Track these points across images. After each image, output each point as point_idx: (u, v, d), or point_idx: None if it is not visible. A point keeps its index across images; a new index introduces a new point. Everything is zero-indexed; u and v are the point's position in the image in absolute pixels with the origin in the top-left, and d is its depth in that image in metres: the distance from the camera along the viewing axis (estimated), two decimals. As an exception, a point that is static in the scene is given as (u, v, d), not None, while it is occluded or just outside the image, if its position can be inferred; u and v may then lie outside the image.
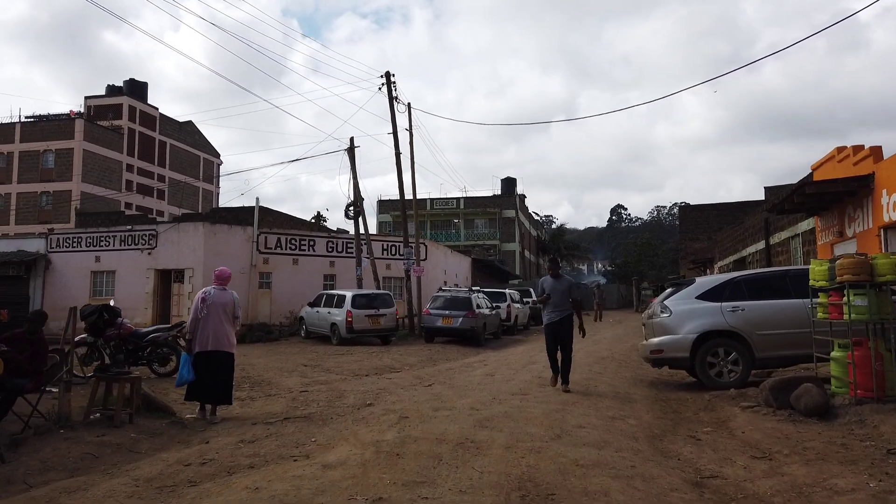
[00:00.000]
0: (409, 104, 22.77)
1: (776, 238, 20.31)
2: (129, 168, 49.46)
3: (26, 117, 46.71)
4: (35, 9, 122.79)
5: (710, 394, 9.21)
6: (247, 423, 7.55)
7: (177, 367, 12.07)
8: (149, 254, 24.63)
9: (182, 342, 12.13)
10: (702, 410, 8.35)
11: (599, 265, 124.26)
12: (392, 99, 22.34)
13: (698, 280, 10.87)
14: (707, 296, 10.18)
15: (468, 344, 19.66)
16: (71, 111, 46.71)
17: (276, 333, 22.53)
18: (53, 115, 46.44)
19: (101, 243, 25.23)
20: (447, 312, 19.62)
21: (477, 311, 19.68)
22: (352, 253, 26.50)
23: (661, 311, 10.31)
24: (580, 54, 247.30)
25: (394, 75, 22.45)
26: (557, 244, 67.15)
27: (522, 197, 60.95)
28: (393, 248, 28.19)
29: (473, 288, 21.22)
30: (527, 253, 57.75)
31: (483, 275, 40.04)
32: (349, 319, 18.87)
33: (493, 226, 57.60)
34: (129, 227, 25.55)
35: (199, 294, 8.06)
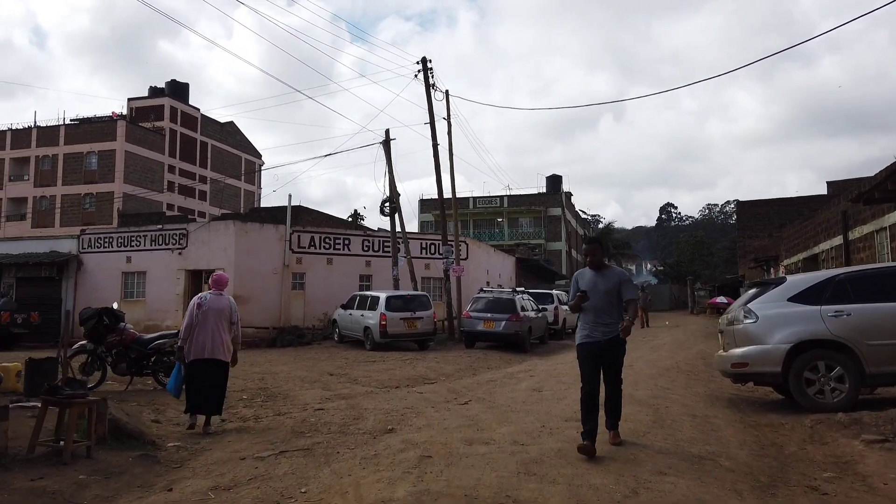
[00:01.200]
0: (446, 91, 21.33)
1: (857, 232, 18.02)
2: (171, 169, 49.41)
3: (71, 120, 47.04)
4: (96, 23, 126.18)
5: (810, 418, 7.38)
6: (235, 456, 6.11)
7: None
8: (179, 254, 23.77)
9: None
10: (808, 443, 6.55)
11: (648, 265, 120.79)
12: (429, 86, 20.88)
13: (790, 279, 8.99)
14: (802, 297, 8.33)
15: (512, 350, 18.01)
16: (113, 113, 46.87)
17: (308, 337, 21.31)
18: (97, 117, 46.63)
19: (133, 243, 24.51)
20: (489, 315, 18.01)
21: (521, 313, 18.02)
22: (389, 252, 25.13)
23: (745, 317, 8.49)
24: (627, 52, 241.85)
25: (430, 61, 20.99)
26: (605, 243, 64.69)
27: (568, 194, 58.79)
28: (432, 246, 26.71)
29: (517, 289, 19.57)
30: (573, 252, 55.55)
31: (528, 275, 38.24)
32: (383, 323, 17.44)
33: (538, 224, 55.67)
34: (160, 227, 24.75)
35: (195, 299, 7.54)
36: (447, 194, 22.08)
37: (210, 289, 7.71)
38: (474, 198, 56.94)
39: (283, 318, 23.31)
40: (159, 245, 24.14)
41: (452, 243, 22.27)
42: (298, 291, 24.08)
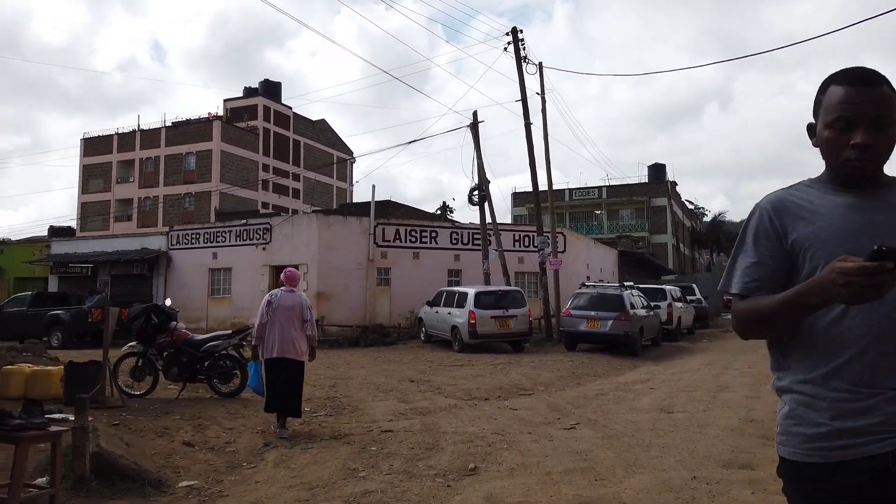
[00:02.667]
0: (539, 64, 19.13)
1: None
2: (265, 168, 49.90)
3: (172, 123, 48.41)
4: (210, 38, 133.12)
5: None
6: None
7: (242, 384, 9.42)
8: (263, 249, 22.95)
9: (245, 351, 9.47)
10: None
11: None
12: (519, 59, 18.79)
13: None
14: None
15: (620, 353, 15.65)
16: (209, 113, 47.83)
17: (392, 337, 19.80)
18: (194, 119, 47.75)
19: (218, 239, 23.99)
20: (593, 314, 15.73)
21: (631, 311, 15.62)
22: (478, 245, 23.22)
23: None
24: (735, 37, 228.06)
25: (521, 31, 18.88)
26: (716, 236, 59.85)
27: (673, 184, 54.67)
28: (526, 238, 24.58)
29: (626, 283, 17.15)
30: (681, 245, 51.57)
31: (631, 269, 35.23)
32: (472, 322, 15.56)
33: (640, 216, 52.07)
34: (244, 221, 24.10)
35: (266, 297, 7.37)
36: (542, 180, 19.92)
37: (282, 286, 7.41)
38: (570, 190, 54.08)
39: (367, 316, 21.96)
40: (244, 241, 23.46)
41: (549, 234, 20.07)
42: (384, 288, 22.67)
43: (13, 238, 37.68)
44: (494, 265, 20.90)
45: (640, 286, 19.73)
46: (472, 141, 20.84)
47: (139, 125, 48.70)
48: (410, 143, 23.68)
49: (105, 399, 8.47)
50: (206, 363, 9.37)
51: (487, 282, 20.40)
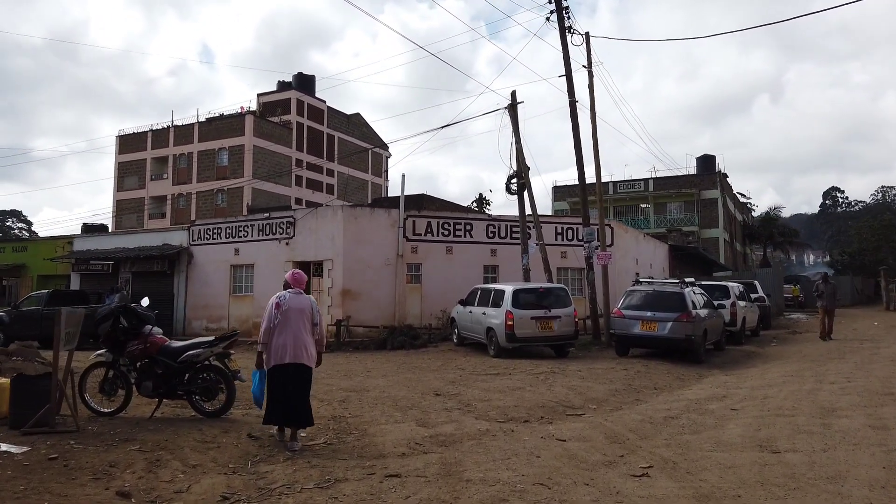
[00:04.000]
0: (586, 34, 17.02)
1: None
2: (298, 163, 48.77)
3: (205, 118, 47.63)
4: (259, 41, 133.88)
5: None
6: None
7: (228, 402, 7.77)
8: (286, 244, 21.48)
9: (231, 362, 7.81)
10: None
11: (811, 256, 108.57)
12: (563, 28, 16.76)
13: None
14: None
15: (680, 360, 13.59)
16: (241, 108, 46.90)
17: (422, 339, 18.05)
18: (227, 114, 46.88)
19: (240, 234, 22.63)
20: (649, 314, 13.69)
21: (694, 312, 13.53)
22: (517, 238, 21.31)
23: None
24: (787, 27, 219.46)
25: (566, -1, 16.83)
26: (769, 230, 56.46)
27: (724, 175, 51.59)
28: (569, 231, 22.55)
29: (686, 279, 15.02)
30: (733, 241, 48.57)
31: (682, 265, 32.78)
32: (509, 323, 13.67)
33: (689, 209, 49.25)
34: (267, 215, 22.67)
35: (273, 299, 6.76)
36: (588, 165, 17.89)
37: (289, 287, 6.82)
38: (614, 182, 51.57)
39: (396, 315, 20.27)
40: (266, 235, 22.04)
41: (596, 225, 18.02)
42: (414, 285, 20.94)
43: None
44: (535, 260, 18.98)
45: (702, 283, 17.53)
46: (510, 124, 18.92)
47: (172, 121, 48.09)
48: (444, 127, 21.82)
49: (55, 421, 6.92)
50: (186, 376, 7.75)
51: (527, 278, 18.49)
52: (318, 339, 6.78)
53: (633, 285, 14.99)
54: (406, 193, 21.41)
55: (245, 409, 8.48)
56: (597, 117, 17.29)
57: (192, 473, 5.58)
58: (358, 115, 55.97)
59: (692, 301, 13.91)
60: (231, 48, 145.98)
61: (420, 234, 21.07)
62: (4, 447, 6.15)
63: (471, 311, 15.58)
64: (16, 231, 71.81)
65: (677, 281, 14.67)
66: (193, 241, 23.64)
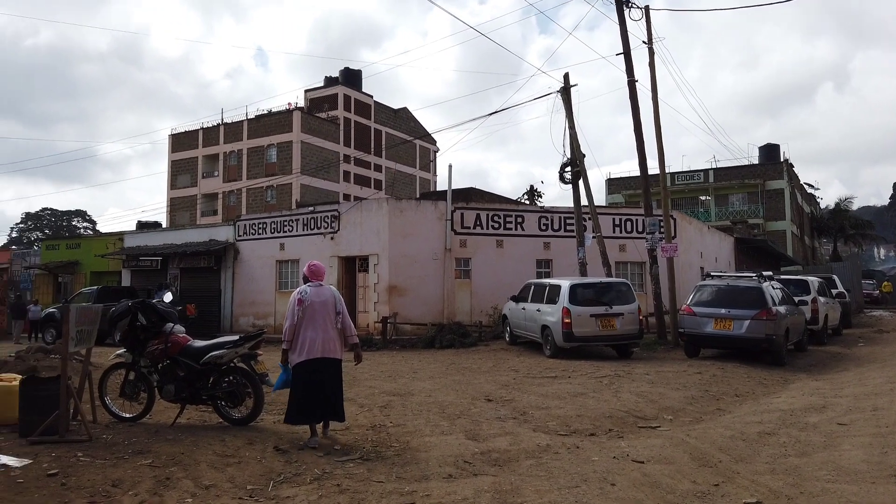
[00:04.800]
0: (645, 8, 15.68)
1: None
2: (346, 159, 48.46)
3: (254, 116, 47.78)
4: (311, 43, 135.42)
5: None
6: None
7: (256, 408, 6.97)
8: (331, 238, 20.84)
9: (258, 364, 7.00)
10: None
11: (881, 250, 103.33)
12: (621, 3, 15.48)
13: None
14: None
15: (758, 362, 12.23)
16: (289, 104, 46.84)
17: (473, 337, 17.08)
18: (275, 111, 46.91)
19: (285, 228, 22.13)
20: (723, 311, 12.36)
21: (773, 308, 12.14)
22: (572, 230, 20.11)
23: None
24: (853, 13, 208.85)
25: (624, -30, 15.53)
26: (840, 222, 53.22)
27: (790, 164, 48.79)
28: (628, 223, 21.21)
29: (764, 273, 13.59)
30: (802, 233, 45.89)
31: (748, 259, 30.87)
32: (566, 321, 12.56)
33: (753, 201, 46.75)
34: (311, 209, 22.10)
35: (294, 295, 6.42)
36: (650, 148, 16.51)
37: (307, 281, 6.58)
38: (672, 173, 49.36)
39: (446, 312, 19.37)
40: (311, 230, 21.46)
41: (659, 216, 16.70)
42: (463, 280, 19.99)
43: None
44: (591, 254, 17.77)
45: (782, 277, 15.98)
46: (562, 108, 17.73)
47: (222, 119, 48.46)
48: (493, 113, 20.72)
49: (67, 430, 6.24)
50: (211, 379, 6.98)
51: (583, 273, 17.31)
52: (346, 328, 6.54)
53: (704, 280, 13.65)
54: (454, 188, 20.48)
55: (277, 415, 7.69)
56: (658, 99, 15.94)
57: (203, 497, 4.76)
58: (405, 109, 55.34)
59: (771, 296, 12.51)
60: (284, 49, 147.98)
61: (469, 228, 20.11)
62: (4, 460, 5.48)
63: (524, 308, 14.52)
64: (80, 230, 74.12)
65: (754, 275, 13.26)
66: (239, 236, 23.28)
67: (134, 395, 7.31)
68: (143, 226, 33.46)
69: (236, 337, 7.05)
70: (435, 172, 57.22)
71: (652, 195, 17.26)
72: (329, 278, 20.71)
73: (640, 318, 13.31)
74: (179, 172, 49.88)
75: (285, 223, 22.22)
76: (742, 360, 12.49)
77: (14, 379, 7.02)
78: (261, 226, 22.84)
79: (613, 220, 20.96)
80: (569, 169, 17.69)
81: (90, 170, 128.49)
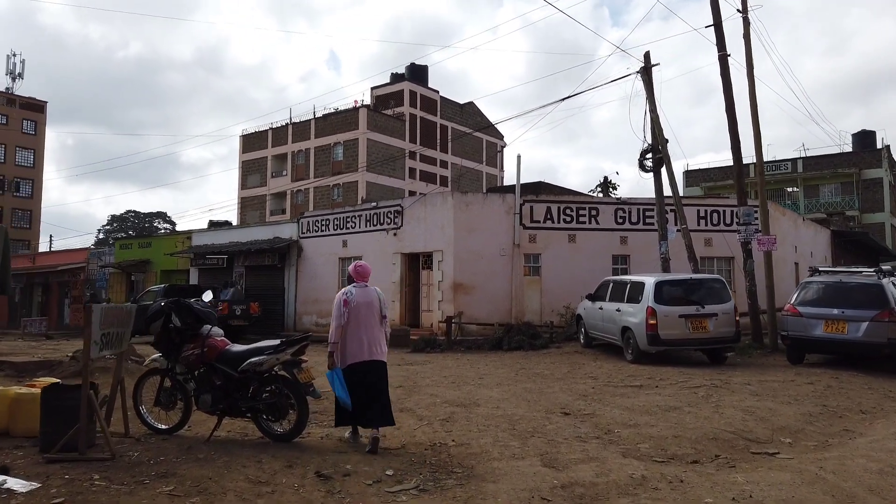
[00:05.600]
0: (739, -27, 14.07)
1: None
2: (412, 156, 47.93)
3: (321, 115, 47.91)
4: (383, 47, 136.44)
5: None
6: None
7: (300, 423, 6.11)
8: (394, 234, 20.08)
9: (302, 373, 6.13)
10: None
11: None
12: (711, -33, 13.93)
13: None
14: None
15: (878, 370, 10.55)
16: (355, 102, 46.64)
17: (543, 338, 15.91)
18: (342, 109, 46.85)
19: (348, 225, 21.54)
20: (836, 312, 10.75)
21: (897, 309, 10.44)
22: (651, 224, 18.62)
23: None
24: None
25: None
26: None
27: (889, 152, 44.86)
28: (714, 214, 19.49)
29: (883, 267, 11.84)
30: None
31: (845, 253, 28.25)
32: (651, 322, 11.21)
33: (847, 191, 43.29)
34: (374, 204, 21.42)
35: (339, 296, 6.15)
36: (744, 129, 14.82)
37: (353, 281, 6.33)
38: (755, 164, 46.30)
39: (514, 311, 18.26)
40: (374, 226, 20.77)
41: (756, 205, 15.05)
42: (533, 278, 18.81)
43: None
44: (674, 248, 16.25)
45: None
46: (643, 90, 16.30)
47: (290, 118, 48.82)
48: (566, 98, 19.16)
49: (90, 445, 5.55)
50: (250, 389, 6.17)
51: (666, 269, 15.83)
52: (386, 332, 6.37)
53: (811, 276, 12.01)
54: (522, 182, 19.31)
55: (326, 428, 6.84)
56: (754, 76, 14.30)
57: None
58: (472, 103, 54.32)
59: (893, 295, 10.79)
60: (356, 52, 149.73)
61: (538, 222, 18.90)
62: (11, 483, 4.80)
63: (601, 308, 13.23)
64: (161, 231, 76.96)
65: (872, 270, 11.53)
66: (303, 233, 22.88)
67: (170, 405, 6.61)
68: (213, 225, 33.81)
69: (277, 341, 6.21)
70: (502, 168, 56.00)
71: (751, 186, 15.59)
72: (392, 275, 19.99)
73: (737, 318, 11.80)
74: (250, 172, 50.65)
75: (348, 219, 21.63)
76: (857, 369, 10.86)
77: (12, 392, 6.43)
78: (324, 222, 22.35)
79: (698, 211, 19.27)
80: (650, 155, 16.23)
81: (173, 173, 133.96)
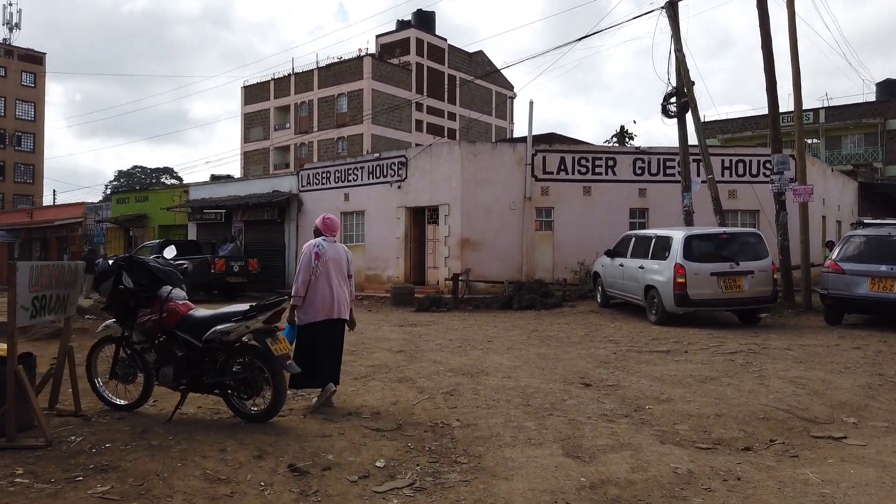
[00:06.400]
0: None
1: None
2: (419, 107, 46.32)
3: (325, 64, 46.19)
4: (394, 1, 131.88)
5: None
6: None
7: (275, 402, 5.14)
8: (398, 187, 18.97)
9: (276, 341, 5.16)
10: None
11: None
12: None
13: None
14: None
15: (934, 334, 9.52)
16: (359, 50, 44.88)
17: (556, 297, 14.94)
18: (346, 58, 45.07)
19: (350, 177, 20.42)
20: (883, 269, 9.68)
21: (955, 266, 9.34)
22: (672, 175, 17.42)
23: None
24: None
25: None
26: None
27: (916, 99, 42.84)
28: (740, 164, 18.24)
29: (938, 219, 10.74)
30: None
31: (872, 207, 26.90)
32: (679, 280, 10.14)
33: (870, 142, 41.56)
34: (376, 155, 20.26)
35: (310, 248, 5.82)
36: (782, 63, 13.47)
37: (321, 234, 5.93)
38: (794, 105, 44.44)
39: (525, 268, 17.25)
40: (377, 178, 19.64)
41: (790, 153, 13.82)
42: (545, 233, 17.74)
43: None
44: (698, 201, 15.10)
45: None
46: (667, 27, 14.89)
47: (293, 68, 47.15)
48: (583, 38, 17.49)
49: (24, 429, 4.64)
50: (219, 360, 5.22)
51: (689, 222, 14.71)
52: (351, 291, 6.08)
53: (855, 229, 10.88)
54: (533, 134, 18.04)
55: (307, 401, 5.93)
56: (794, 5, 12.89)
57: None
58: (481, 52, 52.31)
59: (949, 250, 9.68)
60: (366, 6, 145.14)
61: (552, 173, 17.72)
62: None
63: (621, 265, 12.18)
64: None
65: (925, 222, 10.39)
66: (303, 186, 21.80)
67: (128, 378, 5.69)
68: (214, 179, 32.73)
69: (246, 306, 5.21)
70: (511, 120, 54.30)
71: (754, 139, 14.31)
72: (396, 231, 18.97)
73: (774, 276, 10.72)
74: (252, 125, 49.28)
75: (350, 171, 20.50)
76: (904, 331, 9.83)
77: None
78: (325, 175, 21.23)
79: (723, 161, 18.00)
80: (674, 100, 14.93)
81: (181, 127, 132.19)
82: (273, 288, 21.44)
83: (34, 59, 61.14)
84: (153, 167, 78.71)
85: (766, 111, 38.63)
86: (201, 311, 5.41)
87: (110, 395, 5.78)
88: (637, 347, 8.98)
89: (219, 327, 5.11)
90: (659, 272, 10.62)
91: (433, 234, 18.43)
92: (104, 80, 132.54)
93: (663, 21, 15.69)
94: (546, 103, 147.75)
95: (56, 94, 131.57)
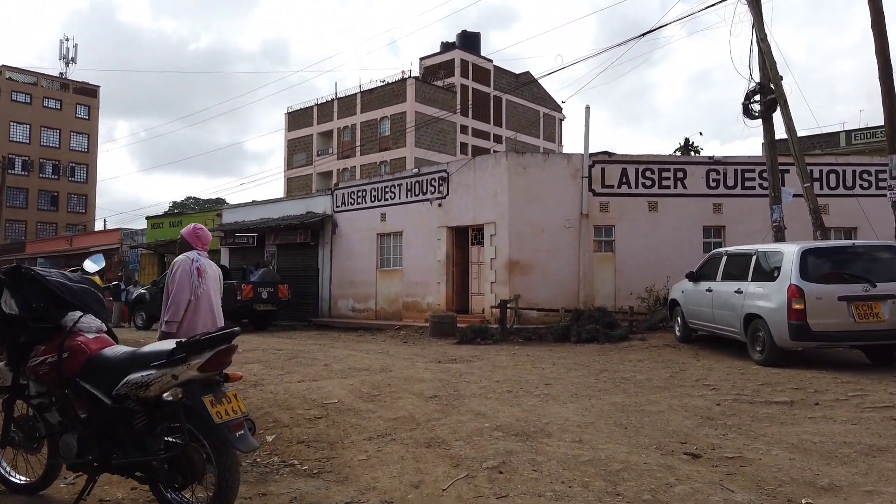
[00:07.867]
0: None
1: None
2: (464, 129, 44.84)
3: (367, 88, 45.34)
4: (446, 29, 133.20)
5: None
6: None
7: (223, 496, 3.19)
8: (439, 205, 17.17)
9: (220, 402, 3.26)
10: None
11: None
12: None
13: None
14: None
15: None
16: (402, 72, 43.84)
17: (622, 329, 12.73)
18: (389, 81, 44.09)
19: (387, 196, 18.75)
20: None
21: None
22: (751, 188, 15.17)
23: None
24: None
25: None
26: None
27: None
28: (831, 175, 15.86)
29: None
30: None
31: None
32: (796, 307, 7.80)
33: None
34: (415, 171, 18.58)
35: (186, 263, 4.91)
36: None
37: (191, 248, 5.00)
38: (847, 132, 41.20)
39: (582, 294, 15.12)
40: (416, 196, 17.91)
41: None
42: (605, 254, 15.61)
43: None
44: (787, 216, 12.80)
45: None
46: (748, 16, 12.80)
47: (336, 93, 46.44)
48: (642, 35, 15.56)
49: None
50: (137, 425, 3.36)
51: (780, 240, 12.38)
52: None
53: None
54: (586, 125, 16.05)
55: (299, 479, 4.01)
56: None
57: None
58: (527, 73, 50.70)
59: None
60: (419, 39, 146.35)
61: (612, 186, 15.66)
62: None
63: (709, 290, 9.91)
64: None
65: None
66: (338, 207, 20.23)
67: (29, 444, 3.90)
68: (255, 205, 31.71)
69: (172, 344, 3.34)
70: (560, 143, 52.31)
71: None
72: (437, 253, 17.13)
73: None
74: (295, 151, 48.65)
75: (387, 189, 18.83)
76: None
77: None
78: (360, 193, 19.62)
79: (811, 172, 15.57)
80: (758, 97, 12.75)
81: (238, 162, 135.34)
82: (306, 317, 19.85)
83: (88, 92, 62.48)
84: (206, 197, 79.54)
85: (834, 130, 35.38)
86: (116, 350, 3.59)
87: (7, 469, 4.01)
88: (746, 397, 6.77)
89: (132, 377, 3.26)
90: (765, 297, 8.33)
91: (478, 257, 16.49)
92: (166, 116, 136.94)
93: (742, 8, 13.61)
94: (594, 131, 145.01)
95: (121, 130, 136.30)
